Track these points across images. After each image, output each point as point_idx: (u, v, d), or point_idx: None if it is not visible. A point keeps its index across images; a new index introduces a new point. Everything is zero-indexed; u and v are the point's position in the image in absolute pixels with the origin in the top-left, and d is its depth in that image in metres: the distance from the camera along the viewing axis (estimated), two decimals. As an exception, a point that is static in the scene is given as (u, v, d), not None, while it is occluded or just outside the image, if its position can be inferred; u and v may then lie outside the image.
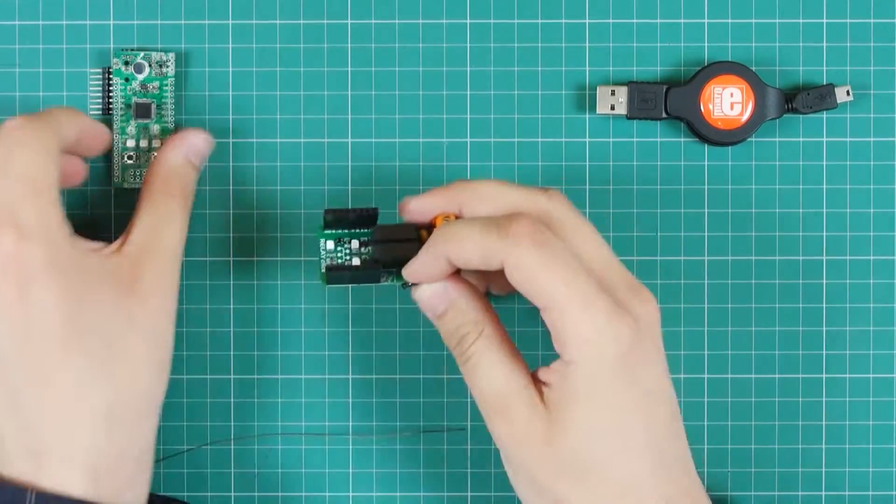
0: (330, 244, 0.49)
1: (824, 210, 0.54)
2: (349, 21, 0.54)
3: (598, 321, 0.43)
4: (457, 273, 0.47)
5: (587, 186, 0.54)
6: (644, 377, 0.44)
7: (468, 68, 0.54)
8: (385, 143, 0.54)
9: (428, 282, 0.47)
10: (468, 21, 0.54)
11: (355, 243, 0.49)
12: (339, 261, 0.49)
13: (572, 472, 0.44)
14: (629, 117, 0.53)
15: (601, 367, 0.44)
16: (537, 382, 0.45)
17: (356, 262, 0.48)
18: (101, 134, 0.50)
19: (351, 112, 0.54)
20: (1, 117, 0.54)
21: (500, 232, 0.44)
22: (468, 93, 0.54)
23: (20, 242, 0.44)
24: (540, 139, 0.54)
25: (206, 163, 0.53)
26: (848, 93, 0.53)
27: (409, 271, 0.47)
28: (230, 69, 0.54)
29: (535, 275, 0.44)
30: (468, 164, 0.54)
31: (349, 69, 0.54)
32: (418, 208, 0.48)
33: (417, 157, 0.54)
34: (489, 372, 0.46)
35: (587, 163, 0.54)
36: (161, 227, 0.48)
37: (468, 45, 0.54)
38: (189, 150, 0.51)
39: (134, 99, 0.53)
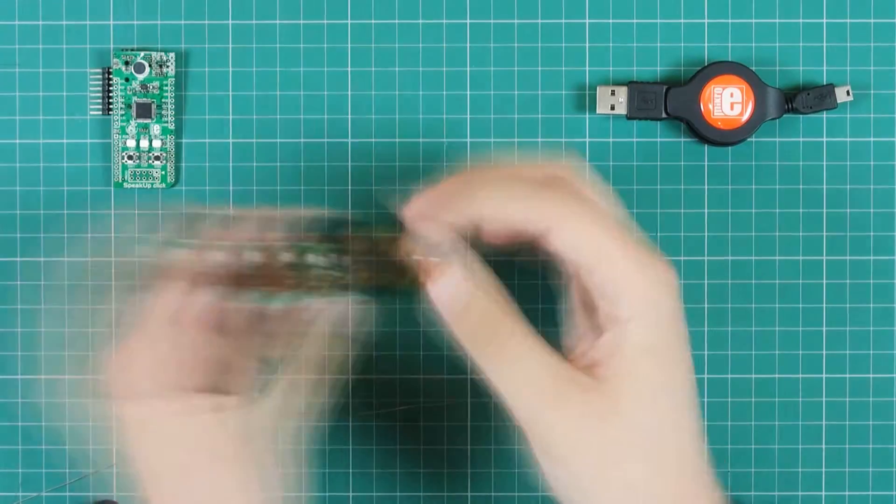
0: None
1: (824, 210, 0.54)
2: (349, 21, 0.54)
3: (650, 275, 0.43)
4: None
5: (587, 186, 0.54)
6: (684, 330, 0.44)
7: (468, 68, 0.54)
8: (385, 143, 0.54)
9: (429, 238, 0.44)
10: (468, 21, 0.54)
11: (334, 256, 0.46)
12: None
13: (637, 440, 0.42)
14: (629, 117, 0.53)
15: (661, 320, 0.43)
16: (576, 361, 0.44)
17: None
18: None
19: (351, 112, 0.54)
20: (1, 117, 0.54)
21: (540, 194, 0.43)
22: (468, 93, 0.54)
23: None
24: (540, 139, 0.54)
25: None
26: (848, 93, 0.53)
27: (419, 210, 0.44)
28: (230, 69, 0.54)
29: (585, 233, 0.43)
30: (468, 163, 0.54)
31: (349, 69, 0.54)
32: (419, 215, 0.45)
33: (417, 157, 0.54)
34: (529, 364, 0.43)
35: (587, 163, 0.54)
36: None
37: (468, 45, 0.54)
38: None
39: (134, 99, 0.53)
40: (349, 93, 0.54)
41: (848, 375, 0.54)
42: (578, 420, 0.43)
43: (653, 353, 0.43)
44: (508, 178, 0.44)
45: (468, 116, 0.54)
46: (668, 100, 0.53)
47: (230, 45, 0.54)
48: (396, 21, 0.54)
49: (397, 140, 0.54)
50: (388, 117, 0.54)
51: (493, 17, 0.54)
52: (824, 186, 0.54)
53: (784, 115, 0.53)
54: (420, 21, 0.54)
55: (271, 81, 0.54)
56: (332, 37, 0.54)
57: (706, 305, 0.54)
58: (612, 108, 0.53)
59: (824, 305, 0.54)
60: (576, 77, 0.54)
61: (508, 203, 0.43)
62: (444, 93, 0.54)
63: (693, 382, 0.44)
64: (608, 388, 0.42)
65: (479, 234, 0.44)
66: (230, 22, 0.54)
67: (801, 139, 0.54)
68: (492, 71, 0.54)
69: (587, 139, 0.54)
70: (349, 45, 0.54)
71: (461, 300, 0.44)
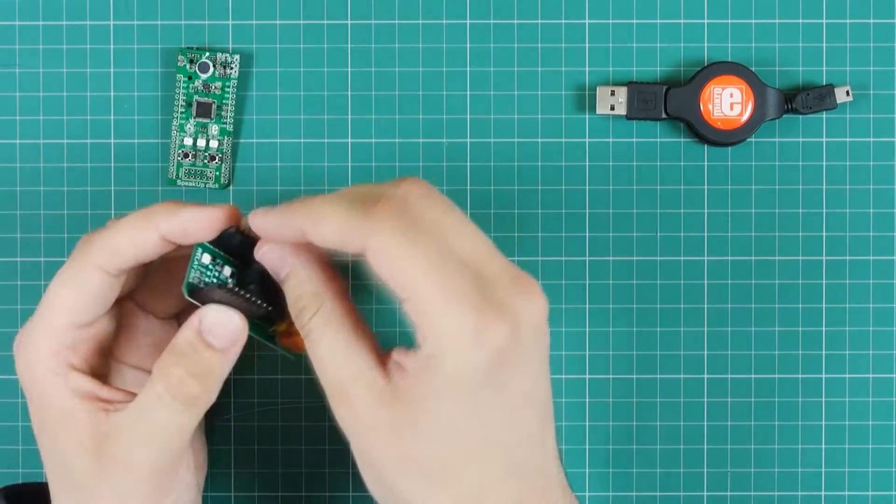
0: (206, 258, 0.45)
1: (824, 210, 0.54)
2: (349, 21, 0.54)
3: (465, 322, 0.39)
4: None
5: (587, 186, 0.54)
6: (515, 381, 0.40)
7: (468, 68, 0.54)
8: (385, 143, 0.54)
9: (273, 242, 0.44)
10: (468, 21, 0.54)
11: (227, 270, 0.46)
12: (207, 281, 0.45)
13: (418, 469, 0.41)
14: (629, 118, 0.53)
15: (464, 371, 0.39)
16: (390, 363, 0.41)
17: (232, 288, 0.44)
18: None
19: (351, 112, 0.54)
20: (2, 117, 0.54)
21: (363, 214, 0.40)
22: (468, 93, 0.54)
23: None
24: (540, 139, 0.54)
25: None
26: (847, 93, 0.53)
27: (257, 222, 0.43)
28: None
29: (397, 263, 0.39)
30: (468, 164, 0.54)
31: (349, 69, 0.54)
32: (257, 227, 0.44)
33: (417, 157, 0.54)
34: (328, 351, 0.41)
35: (587, 163, 0.54)
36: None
37: (468, 45, 0.54)
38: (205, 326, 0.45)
39: (195, 97, 0.53)
40: (349, 93, 0.54)
41: (847, 375, 0.54)
42: (364, 425, 0.41)
43: (450, 397, 0.40)
44: (338, 196, 0.42)
45: (468, 116, 0.54)
46: (668, 100, 0.53)
47: (230, 46, 0.54)
48: (396, 21, 0.54)
49: (397, 140, 0.54)
50: (388, 117, 0.54)
51: (493, 18, 0.54)
52: (824, 186, 0.54)
53: (784, 116, 0.53)
54: (420, 21, 0.54)
55: (271, 81, 0.54)
56: (331, 37, 0.54)
57: (706, 305, 0.54)
58: (612, 108, 0.53)
59: (824, 305, 0.54)
60: (576, 77, 0.54)
61: (324, 221, 0.41)
62: (444, 93, 0.54)
63: (536, 419, 0.42)
64: (403, 406, 0.40)
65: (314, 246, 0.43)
66: (230, 22, 0.54)
67: (800, 139, 0.54)
68: (492, 71, 0.54)
69: (587, 139, 0.54)
70: (349, 46, 0.54)
71: (282, 270, 0.44)
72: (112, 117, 0.54)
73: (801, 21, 0.54)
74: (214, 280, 0.45)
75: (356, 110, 0.54)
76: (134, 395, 0.45)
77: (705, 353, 0.54)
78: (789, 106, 0.53)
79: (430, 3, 0.54)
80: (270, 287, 0.45)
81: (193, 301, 0.44)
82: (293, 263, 0.43)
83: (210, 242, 0.45)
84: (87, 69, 0.54)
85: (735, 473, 0.54)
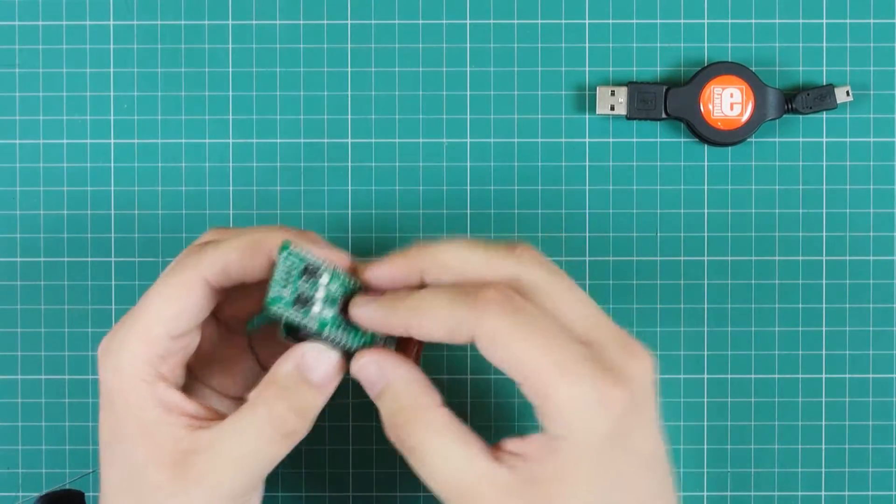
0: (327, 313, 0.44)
1: (824, 210, 0.54)
2: (349, 21, 0.54)
3: (586, 392, 0.39)
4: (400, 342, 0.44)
5: (587, 186, 0.54)
6: (638, 443, 0.41)
7: (468, 68, 0.54)
8: (385, 143, 0.54)
9: (370, 354, 0.44)
10: (468, 21, 0.54)
11: (329, 312, 0.44)
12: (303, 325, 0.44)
13: None
14: (629, 117, 0.53)
15: (592, 442, 0.39)
16: (502, 455, 0.41)
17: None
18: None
19: (351, 112, 0.54)
20: (2, 117, 0.54)
21: (467, 303, 0.40)
22: (468, 93, 0.54)
23: None
24: (540, 139, 0.54)
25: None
26: (848, 93, 0.53)
27: (364, 313, 0.43)
28: (230, 69, 0.54)
29: (510, 346, 0.40)
30: (468, 164, 0.54)
31: (349, 69, 0.54)
32: (376, 279, 0.43)
33: (417, 157, 0.54)
34: (443, 458, 0.41)
35: (587, 163, 0.54)
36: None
37: (468, 45, 0.54)
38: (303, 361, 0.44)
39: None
40: (349, 93, 0.54)
41: (847, 375, 0.54)
42: None
43: (582, 474, 0.40)
44: (439, 290, 0.42)
45: (468, 116, 0.54)
46: (668, 100, 0.53)
47: (230, 46, 0.54)
48: (396, 21, 0.54)
49: (397, 140, 0.54)
50: (388, 117, 0.54)
51: (493, 18, 0.54)
52: (824, 186, 0.54)
53: (784, 116, 0.53)
54: (420, 21, 0.54)
55: (271, 81, 0.54)
56: (332, 37, 0.54)
57: (706, 305, 0.54)
58: (612, 108, 0.53)
59: (824, 305, 0.54)
60: (576, 77, 0.54)
61: (428, 317, 0.41)
62: (444, 93, 0.54)
63: (661, 478, 0.42)
64: (532, 494, 0.40)
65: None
66: (230, 22, 0.54)
67: (800, 139, 0.54)
68: (492, 71, 0.54)
69: (587, 139, 0.54)
70: (349, 46, 0.54)
71: (377, 386, 0.43)
72: (112, 117, 0.54)
73: (801, 21, 0.54)
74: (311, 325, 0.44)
75: (356, 110, 0.54)
76: (216, 413, 0.44)
77: (705, 353, 0.54)
78: (789, 106, 0.53)
79: (430, 3, 0.54)
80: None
81: (289, 340, 0.44)
82: (389, 378, 0.43)
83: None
84: (87, 69, 0.54)
85: (735, 473, 0.54)
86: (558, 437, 0.40)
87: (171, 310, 0.44)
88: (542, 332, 0.40)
